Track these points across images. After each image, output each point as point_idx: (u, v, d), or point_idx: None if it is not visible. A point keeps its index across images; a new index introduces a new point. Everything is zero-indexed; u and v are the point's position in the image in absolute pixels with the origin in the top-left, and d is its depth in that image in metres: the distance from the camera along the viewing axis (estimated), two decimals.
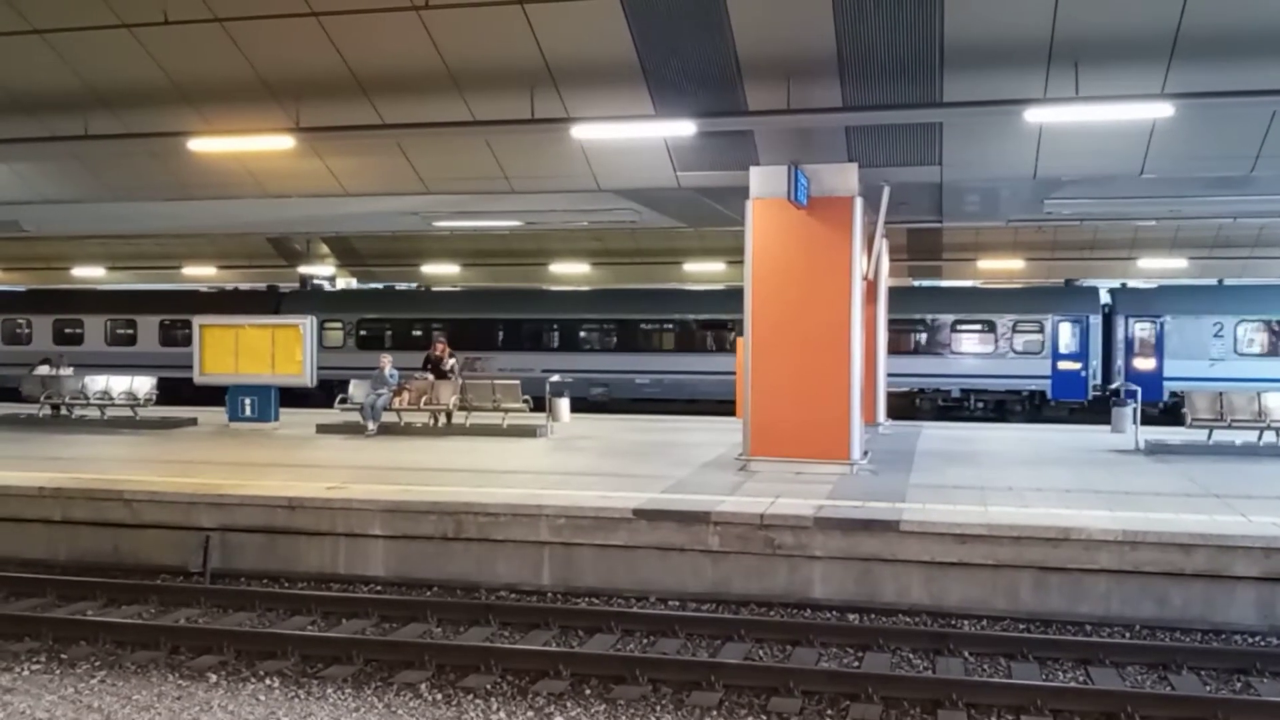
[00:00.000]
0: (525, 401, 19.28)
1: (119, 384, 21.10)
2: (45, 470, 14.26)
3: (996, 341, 28.05)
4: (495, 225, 25.45)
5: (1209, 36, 11.92)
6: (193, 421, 20.53)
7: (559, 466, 15.20)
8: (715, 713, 8.22)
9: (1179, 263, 31.05)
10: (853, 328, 14.29)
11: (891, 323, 27.35)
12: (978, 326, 27.67)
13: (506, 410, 19.22)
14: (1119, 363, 27.79)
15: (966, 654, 9.47)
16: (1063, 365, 27.71)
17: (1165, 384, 26.96)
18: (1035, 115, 12.83)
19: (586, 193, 16.62)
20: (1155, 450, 16.65)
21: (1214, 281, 30.78)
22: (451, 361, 20.82)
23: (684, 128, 13.81)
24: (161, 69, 14.45)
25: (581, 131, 14.00)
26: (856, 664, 9.33)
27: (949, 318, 28.58)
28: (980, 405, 27.18)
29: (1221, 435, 16.84)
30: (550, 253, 34.56)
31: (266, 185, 17.14)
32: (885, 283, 20.71)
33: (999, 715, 8.14)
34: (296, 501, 12.37)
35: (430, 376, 20.22)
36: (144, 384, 20.91)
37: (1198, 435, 16.95)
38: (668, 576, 11.45)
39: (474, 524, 11.90)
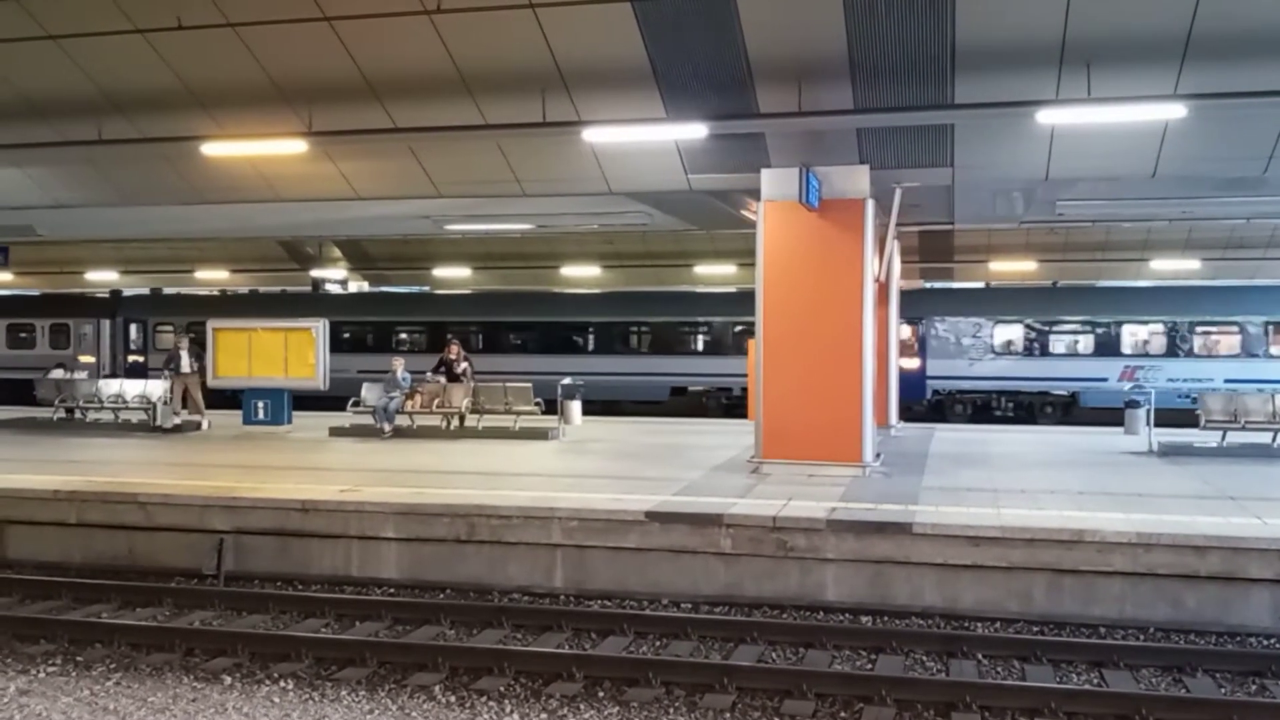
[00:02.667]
0: (537, 404, 19.32)
1: (133, 387, 21.20)
2: (60, 473, 14.34)
3: None
4: (507, 228, 25.48)
5: (1222, 37, 11.89)
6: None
7: (571, 469, 15.22)
8: (728, 715, 8.22)
9: (1192, 264, 30.95)
10: (864, 330, 14.28)
11: (673, 326, 28.95)
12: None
13: (518, 413, 19.25)
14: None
15: (980, 656, 9.46)
16: None
17: (928, 383, 27.84)
18: (1047, 117, 12.80)
19: (598, 195, 16.64)
20: (1169, 452, 16.60)
21: (980, 285, 31.71)
22: (465, 365, 20.85)
23: (695, 130, 13.82)
24: (175, 73, 14.51)
25: (593, 134, 14.01)
26: (870, 666, 9.32)
27: (727, 320, 29.29)
28: None
29: (1235, 437, 16.78)
30: (561, 255, 34.68)
31: (279, 189, 17.20)
32: (897, 285, 20.70)
33: (1013, 718, 8.13)
34: (310, 504, 12.41)
35: (443, 379, 20.28)
36: (157, 388, 20.98)
37: (1212, 437, 16.90)
38: (680, 579, 11.46)
39: (486, 526, 11.92)
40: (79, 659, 9.47)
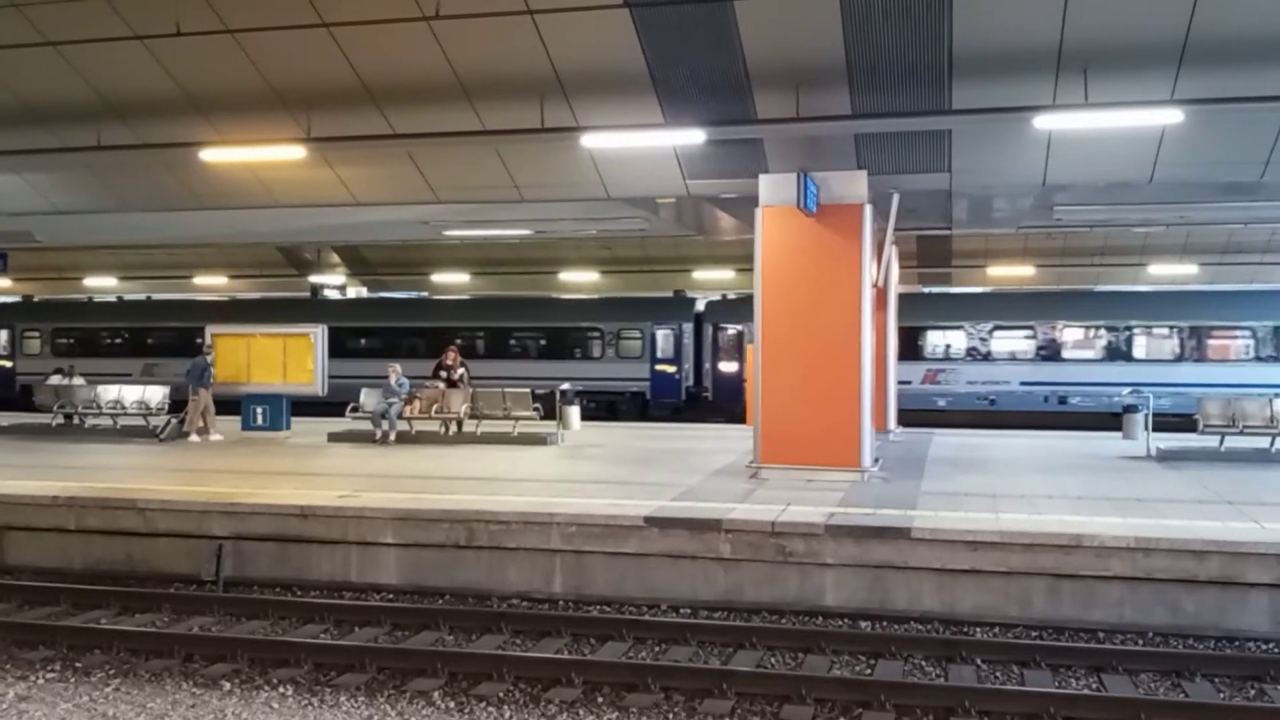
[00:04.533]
0: (536, 409, 19.36)
1: (131, 393, 21.19)
2: (59, 479, 14.33)
3: (604, 347, 30.06)
4: (505, 234, 25.53)
5: (1218, 42, 11.92)
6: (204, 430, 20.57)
7: (570, 474, 15.22)
8: None
9: (1190, 269, 30.99)
10: (863, 335, 14.30)
11: (513, 330, 30.36)
12: (595, 334, 30.04)
13: (517, 418, 19.27)
14: (706, 366, 29.81)
15: (979, 661, 9.45)
16: (660, 368, 29.67)
17: (746, 387, 28.66)
18: (1044, 122, 12.83)
19: (596, 201, 16.66)
20: (1167, 457, 16.62)
21: None
22: (461, 370, 20.87)
23: (693, 136, 13.85)
24: (174, 80, 14.54)
25: (591, 140, 14.03)
26: (869, 671, 9.32)
27: (564, 325, 30.60)
28: (592, 405, 28.86)
29: (1233, 442, 16.81)
30: (560, 261, 34.75)
31: (278, 195, 17.22)
32: (895, 290, 20.72)
33: None
34: (309, 510, 12.41)
35: (441, 385, 20.30)
36: (156, 394, 20.99)
37: (1210, 441, 16.92)
38: (679, 584, 11.46)
39: (485, 532, 11.92)
40: (78, 665, 9.46)
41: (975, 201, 17.80)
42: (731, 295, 32.35)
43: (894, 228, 15.93)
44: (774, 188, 14.40)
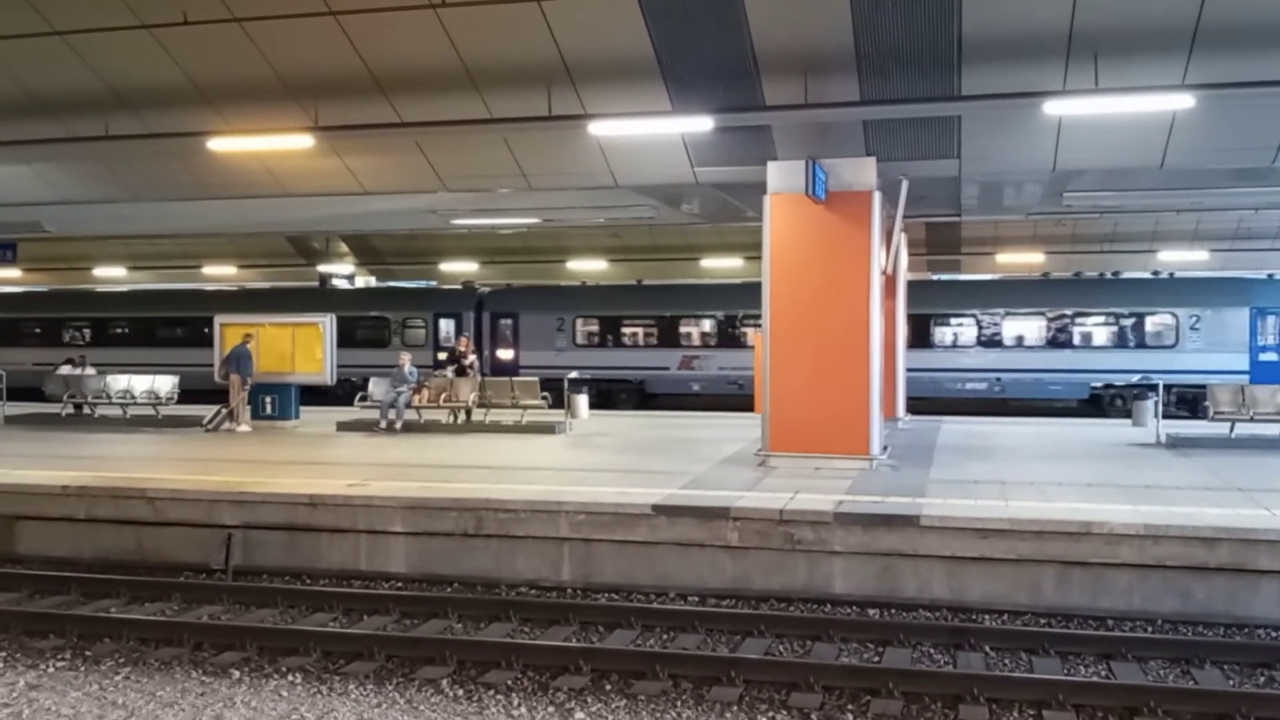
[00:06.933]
0: (544, 398, 19.37)
1: (141, 383, 21.27)
2: (69, 469, 14.38)
3: (391, 335, 31.58)
4: (513, 223, 25.51)
5: (1229, 27, 11.84)
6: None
7: (578, 463, 15.23)
8: (735, 708, 8.22)
9: (1200, 255, 30.84)
10: (871, 322, 14.26)
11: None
12: (382, 323, 31.27)
13: (525, 407, 19.28)
14: (487, 354, 30.93)
15: (988, 649, 9.44)
16: (442, 356, 30.49)
17: (522, 372, 29.84)
18: (1054, 108, 12.76)
19: (604, 189, 16.63)
20: (1177, 444, 16.57)
21: (575, 284, 34.05)
22: (472, 358, 20.91)
23: (701, 123, 13.79)
24: (181, 69, 14.53)
25: (599, 128, 13.99)
26: (877, 659, 9.31)
27: (353, 314, 31.29)
28: None
29: (1243, 428, 16.76)
30: (569, 250, 34.73)
31: (286, 184, 17.22)
32: (904, 277, 20.66)
33: (1021, 710, 8.11)
34: (318, 499, 12.43)
35: (450, 373, 20.34)
36: (165, 383, 21.06)
37: (1220, 429, 16.86)
38: (687, 572, 11.46)
39: (494, 520, 11.94)
40: (88, 653, 9.50)
41: (985, 188, 17.74)
42: (516, 285, 33.74)
43: (903, 215, 15.88)
44: (782, 175, 14.36)
